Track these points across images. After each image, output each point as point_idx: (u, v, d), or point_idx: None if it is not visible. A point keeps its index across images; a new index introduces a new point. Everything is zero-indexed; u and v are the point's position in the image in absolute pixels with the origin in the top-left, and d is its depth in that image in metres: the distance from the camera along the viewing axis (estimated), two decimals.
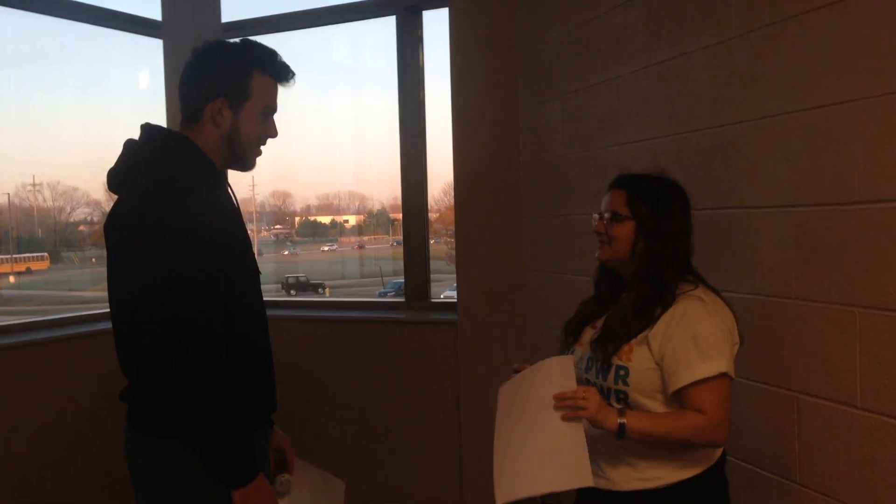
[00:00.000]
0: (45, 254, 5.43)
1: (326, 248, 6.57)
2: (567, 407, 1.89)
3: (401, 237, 4.52)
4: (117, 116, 4.80)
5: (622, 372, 1.98)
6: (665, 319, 1.96)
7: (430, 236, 4.49)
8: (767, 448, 2.41)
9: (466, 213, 3.96)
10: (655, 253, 2.02)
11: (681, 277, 2.03)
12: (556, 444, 1.90)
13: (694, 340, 1.90)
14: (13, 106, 4.50)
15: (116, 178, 1.93)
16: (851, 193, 2.07)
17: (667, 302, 1.98)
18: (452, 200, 4.07)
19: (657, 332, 1.96)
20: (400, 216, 4.52)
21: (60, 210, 5.46)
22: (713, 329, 1.92)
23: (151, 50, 4.59)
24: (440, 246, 4.99)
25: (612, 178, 2.15)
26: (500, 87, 3.85)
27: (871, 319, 2.04)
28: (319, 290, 6.26)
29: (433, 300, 4.45)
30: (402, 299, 4.50)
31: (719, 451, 2.04)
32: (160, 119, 4.38)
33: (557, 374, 1.97)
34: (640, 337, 1.98)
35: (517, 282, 3.85)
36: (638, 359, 1.97)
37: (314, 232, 6.70)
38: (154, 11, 4.56)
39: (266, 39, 2.06)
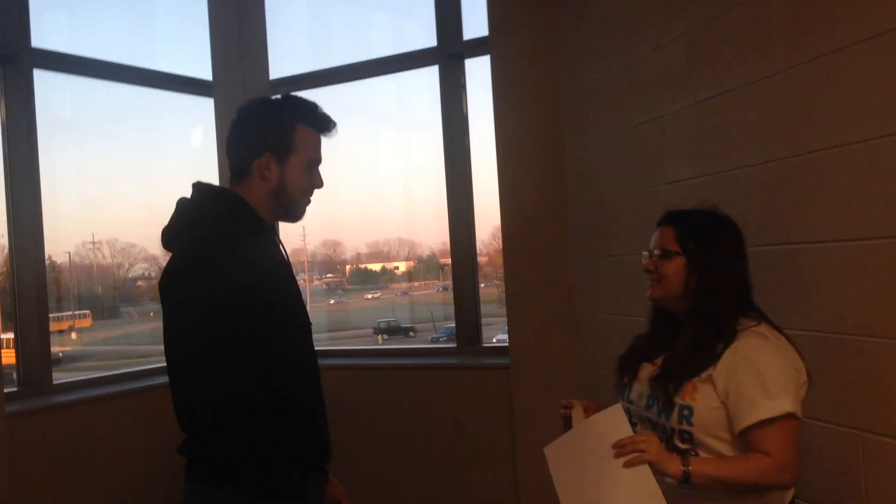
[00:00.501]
0: (88, 311, 5.52)
1: (370, 297, 6.60)
2: (627, 453, 1.86)
3: (449, 282, 4.53)
4: (172, 174, 4.93)
5: (686, 412, 1.93)
6: (727, 356, 1.91)
7: (480, 280, 4.49)
8: (833, 488, 2.33)
9: (515, 256, 3.96)
10: (708, 288, 1.98)
11: (741, 313, 1.98)
12: (630, 494, 1.86)
13: (758, 378, 1.85)
14: (73, 167, 4.66)
15: (170, 236, 1.98)
16: None
17: (727, 338, 1.93)
18: (501, 244, 4.08)
19: (720, 369, 1.91)
20: (449, 261, 4.54)
21: (119, 266, 5.58)
22: (778, 367, 1.87)
23: (203, 109, 4.74)
24: (491, 289, 4.98)
25: (661, 215, 2.13)
26: (544, 130, 3.86)
27: None
28: (410, 333, 6.30)
29: (485, 344, 4.44)
30: (454, 345, 4.50)
31: (790, 495, 1.97)
32: (213, 175, 4.50)
33: (611, 425, 1.93)
34: (703, 375, 1.93)
35: (568, 323, 3.82)
36: (702, 398, 1.92)
37: (365, 279, 6.74)
38: (205, 72, 4.72)
39: (313, 93, 2.11)
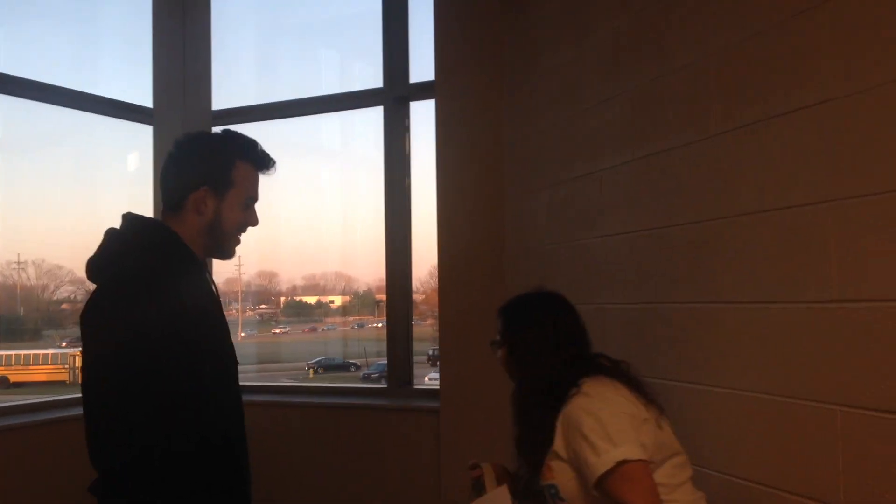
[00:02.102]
0: None
1: (278, 331, 6.54)
2: None
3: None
4: (105, 198, 4.85)
5: (553, 490, 2.04)
6: (560, 426, 2.00)
7: (414, 318, 4.47)
8: None
9: (450, 298, 3.96)
10: (521, 376, 2.17)
11: (578, 376, 2.04)
12: None
13: (584, 439, 1.92)
14: (1, 187, 4.53)
15: (95, 267, 1.92)
16: (829, 292, 2.09)
17: (550, 418, 2.02)
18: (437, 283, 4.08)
19: (559, 442, 2.00)
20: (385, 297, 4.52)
21: (44, 288, 5.43)
22: (596, 422, 1.92)
23: (141, 136, 4.66)
24: (425, 328, 4.97)
25: None
26: (485, 176, 3.90)
27: (852, 418, 2.03)
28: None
29: (416, 386, 4.41)
30: (385, 385, 4.46)
31: None
32: (148, 202, 4.42)
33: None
34: (550, 453, 2.02)
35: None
36: (559, 473, 2.01)
37: (299, 312, 6.68)
38: (146, 98, 4.65)
39: (256, 126, 2.10)
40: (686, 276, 2.62)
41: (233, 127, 2.10)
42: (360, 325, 6.05)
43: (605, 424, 1.91)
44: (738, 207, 2.42)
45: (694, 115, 2.62)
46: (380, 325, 5.94)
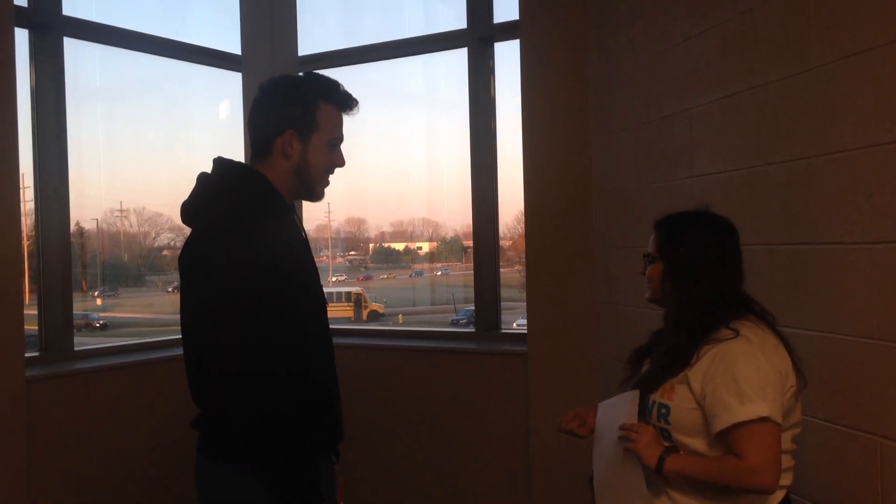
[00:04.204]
0: None
1: (334, 279, 6.60)
2: (624, 438, 1.99)
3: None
4: (198, 146, 4.97)
5: (663, 410, 2.00)
6: (706, 359, 1.94)
7: (501, 264, 4.47)
8: (847, 493, 2.31)
9: (537, 242, 3.93)
10: (678, 293, 2.04)
11: (731, 315, 1.98)
12: (621, 477, 2.04)
13: (734, 381, 1.87)
14: (101, 136, 4.69)
15: (189, 211, 1.99)
16: None
17: (703, 340, 1.96)
18: (524, 229, 4.05)
19: (698, 371, 1.94)
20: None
21: (145, 235, 5.63)
22: (755, 371, 1.87)
23: (231, 83, 4.76)
24: (513, 273, 4.96)
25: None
26: (571, 117, 3.83)
27: None
28: None
29: (503, 330, 4.42)
30: (473, 329, 4.49)
31: (776, 500, 1.96)
32: (239, 148, 4.51)
33: (624, 407, 2.08)
34: (680, 376, 1.98)
35: (588, 313, 3.80)
36: (679, 398, 1.97)
37: (387, 258, 6.76)
38: (234, 46, 4.73)
39: (341, 71, 2.10)
40: (784, 216, 2.53)
41: (318, 72, 2.11)
42: (418, 274, 6.08)
43: (761, 377, 1.87)
44: (838, 144, 2.31)
45: (789, 48, 2.50)
46: (443, 272, 5.99)
